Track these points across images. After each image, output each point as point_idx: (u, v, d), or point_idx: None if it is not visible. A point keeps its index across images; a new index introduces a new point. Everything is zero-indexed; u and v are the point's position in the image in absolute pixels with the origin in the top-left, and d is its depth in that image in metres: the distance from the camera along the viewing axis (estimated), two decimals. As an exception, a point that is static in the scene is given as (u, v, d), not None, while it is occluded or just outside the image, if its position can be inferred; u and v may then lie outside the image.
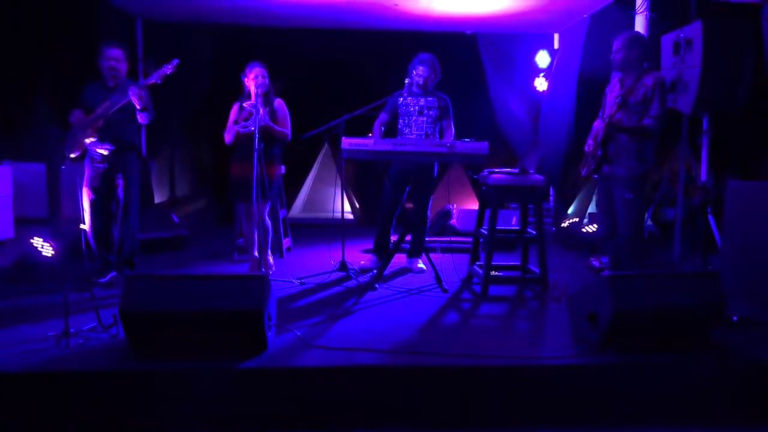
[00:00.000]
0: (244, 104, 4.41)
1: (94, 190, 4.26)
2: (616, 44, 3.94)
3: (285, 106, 4.65)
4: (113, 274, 4.34)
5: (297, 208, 7.74)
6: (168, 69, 4.05)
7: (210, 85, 6.90)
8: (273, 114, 4.54)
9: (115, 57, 4.24)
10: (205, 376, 2.78)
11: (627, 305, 2.95)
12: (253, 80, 4.42)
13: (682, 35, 4.74)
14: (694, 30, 4.63)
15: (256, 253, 4.64)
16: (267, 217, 4.64)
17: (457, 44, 6.93)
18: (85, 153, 4.21)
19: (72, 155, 4.22)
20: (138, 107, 4.09)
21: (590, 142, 4.13)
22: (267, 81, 4.47)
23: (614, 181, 3.98)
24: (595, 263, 4.96)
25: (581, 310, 3.20)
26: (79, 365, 2.84)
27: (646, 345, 3.04)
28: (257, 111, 4.24)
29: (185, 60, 4.17)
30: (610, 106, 4.00)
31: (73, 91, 4.34)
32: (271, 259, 4.79)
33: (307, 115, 4.98)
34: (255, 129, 4.20)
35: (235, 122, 4.50)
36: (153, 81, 4.06)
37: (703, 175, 5.16)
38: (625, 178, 3.90)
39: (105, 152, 4.17)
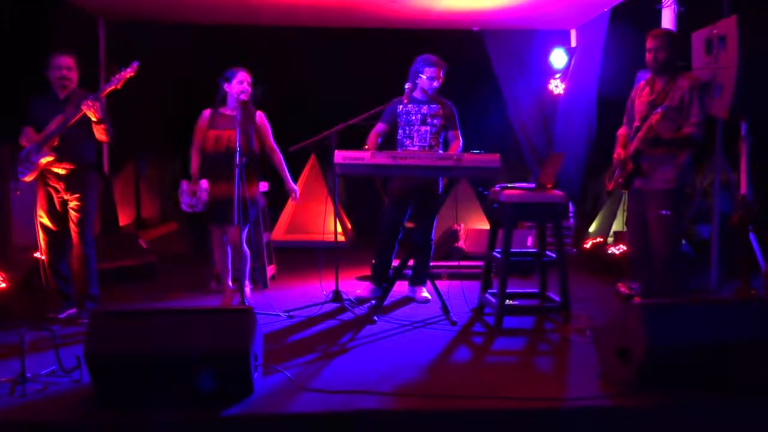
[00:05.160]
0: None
1: (50, 214, 4.28)
2: (654, 42, 3.99)
3: (266, 119, 4.68)
4: (73, 309, 4.34)
5: (280, 230, 7.75)
6: (128, 72, 4.10)
7: (180, 92, 6.95)
8: (255, 128, 4.58)
9: (65, 65, 4.25)
10: (182, 426, 2.78)
11: (663, 339, 2.96)
12: (237, 86, 4.44)
13: (715, 32, 4.82)
14: (728, 26, 4.70)
15: (230, 284, 4.67)
16: (245, 245, 4.64)
17: (463, 43, 7.01)
18: (40, 174, 4.23)
19: (27, 178, 4.23)
20: (94, 120, 4.13)
21: (619, 150, 4.18)
22: (250, 89, 4.52)
23: (648, 197, 4.02)
24: (624, 289, 4.99)
25: (610, 344, 3.21)
26: (38, 416, 2.82)
27: (687, 385, 3.03)
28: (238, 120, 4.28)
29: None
30: (639, 113, 4.05)
31: (28, 102, 4.37)
32: (248, 290, 4.80)
33: (293, 124, 5.04)
34: (237, 145, 4.23)
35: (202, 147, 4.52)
36: (112, 87, 4.11)
37: (743, 187, 5.21)
38: (662, 192, 3.94)
39: (63, 172, 4.21)
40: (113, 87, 4.11)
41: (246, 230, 4.58)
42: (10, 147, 5.02)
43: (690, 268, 5.72)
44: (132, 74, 4.11)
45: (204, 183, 4.41)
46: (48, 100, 4.29)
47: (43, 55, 4.31)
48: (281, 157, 4.71)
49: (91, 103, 4.06)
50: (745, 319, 3.10)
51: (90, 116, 4.10)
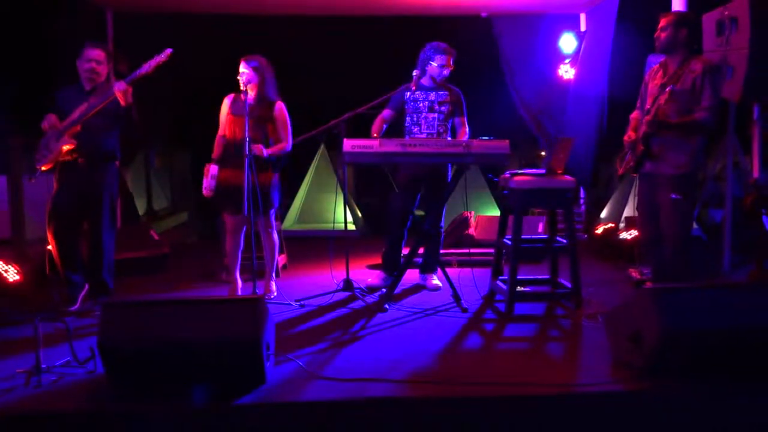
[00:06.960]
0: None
1: (64, 205, 4.26)
2: (663, 22, 3.97)
3: (285, 110, 4.54)
4: (82, 295, 4.37)
5: (290, 220, 7.77)
6: (161, 58, 4.05)
7: (188, 83, 6.96)
8: (270, 120, 4.46)
9: (95, 58, 4.23)
10: (195, 415, 2.80)
11: (676, 323, 2.93)
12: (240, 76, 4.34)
13: (726, 13, 4.76)
14: (739, 6, 4.66)
15: (238, 276, 4.60)
16: (275, 233, 4.65)
17: (470, 29, 6.97)
18: (58, 164, 4.21)
19: (44, 167, 4.20)
20: (122, 104, 4.09)
21: (630, 133, 4.15)
22: (254, 76, 4.36)
23: (659, 181, 3.99)
24: (635, 274, 4.97)
25: (622, 329, 3.20)
26: (53, 406, 2.85)
27: (700, 370, 3.02)
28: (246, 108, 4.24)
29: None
30: (652, 95, 4.01)
31: (38, 94, 4.38)
32: (273, 285, 4.75)
33: (301, 114, 5.02)
34: (246, 133, 4.21)
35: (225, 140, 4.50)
36: (144, 72, 4.05)
37: (755, 171, 5.17)
38: (672, 176, 3.91)
39: (81, 162, 4.18)
40: (145, 72, 4.06)
41: (272, 216, 4.60)
42: (21, 140, 5.04)
43: (703, 252, 5.69)
44: (165, 60, 4.05)
45: (213, 168, 4.41)
46: (75, 90, 4.28)
47: (50, 48, 4.32)
48: (286, 147, 4.54)
49: (124, 87, 4.05)
50: (759, 303, 3.06)
51: (120, 100, 4.06)
